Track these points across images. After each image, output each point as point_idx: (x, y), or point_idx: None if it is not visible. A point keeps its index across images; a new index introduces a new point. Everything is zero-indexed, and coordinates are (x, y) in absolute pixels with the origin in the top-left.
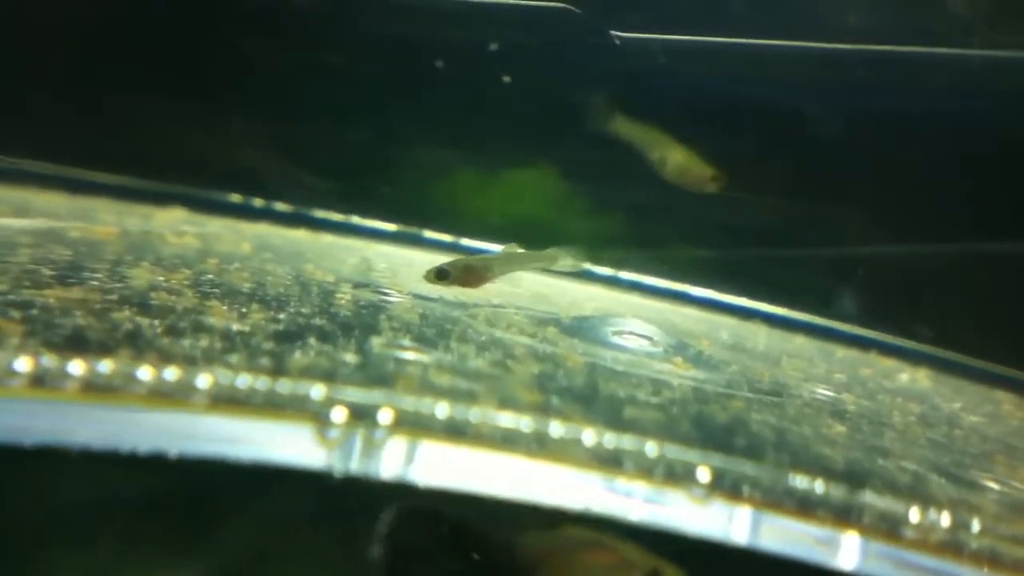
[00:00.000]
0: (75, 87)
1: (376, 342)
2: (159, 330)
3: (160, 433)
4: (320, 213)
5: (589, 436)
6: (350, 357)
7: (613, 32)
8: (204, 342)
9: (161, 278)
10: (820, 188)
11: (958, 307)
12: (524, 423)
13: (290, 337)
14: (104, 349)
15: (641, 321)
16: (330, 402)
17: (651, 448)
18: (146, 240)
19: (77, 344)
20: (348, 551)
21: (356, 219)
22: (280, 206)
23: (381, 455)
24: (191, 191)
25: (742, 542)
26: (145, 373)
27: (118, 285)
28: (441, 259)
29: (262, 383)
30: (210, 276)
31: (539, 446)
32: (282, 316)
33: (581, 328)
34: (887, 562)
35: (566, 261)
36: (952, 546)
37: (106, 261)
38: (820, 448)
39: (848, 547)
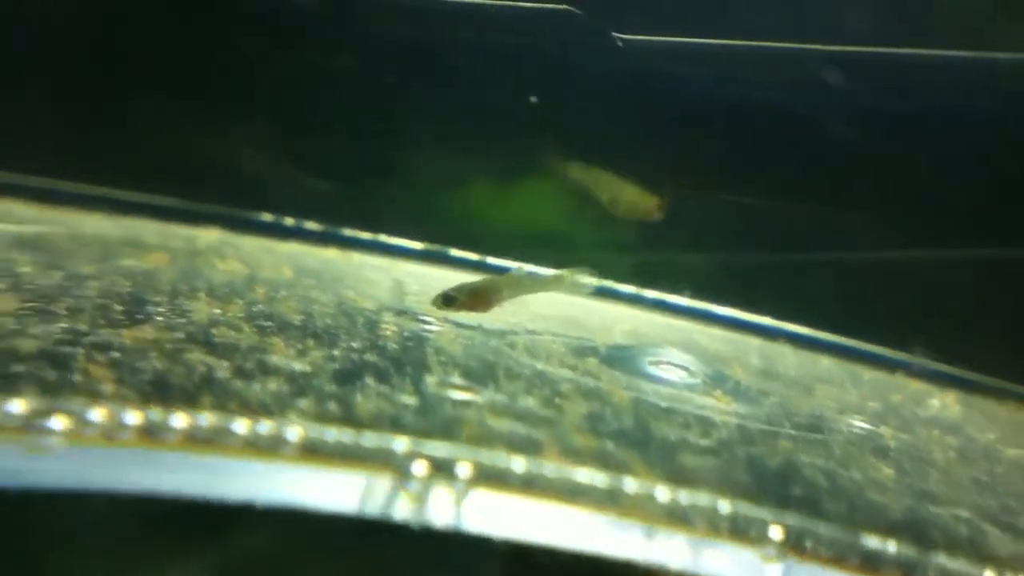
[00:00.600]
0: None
1: (430, 381)
2: (228, 372)
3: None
4: (348, 231)
5: (663, 493)
6: (408, 399)
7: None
8: (273, 385)
9: (218, 311)
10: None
11: (985, 325)
12: (599, 479)
13: (349, 377)
14: (187, 397)
15: (676, 349)
16: (412, 455)
17: (723, 506)
18: (194, 266)
19: (162, 390)
20: None
21: (384, 238)
22: (310, 225)
23: (461, 509)
24: (222, 210)
25: None
26: (240, 426)
27: (181, 321)
28: (466, 278)
29: (347, 436)
30: (261, 306)
31: (612, 502)
32: (336, 353)
33: (620, 359)
34: None
35: (573, 284)
36: None
37: (164, 293)
38: (873, 495)
39: None
